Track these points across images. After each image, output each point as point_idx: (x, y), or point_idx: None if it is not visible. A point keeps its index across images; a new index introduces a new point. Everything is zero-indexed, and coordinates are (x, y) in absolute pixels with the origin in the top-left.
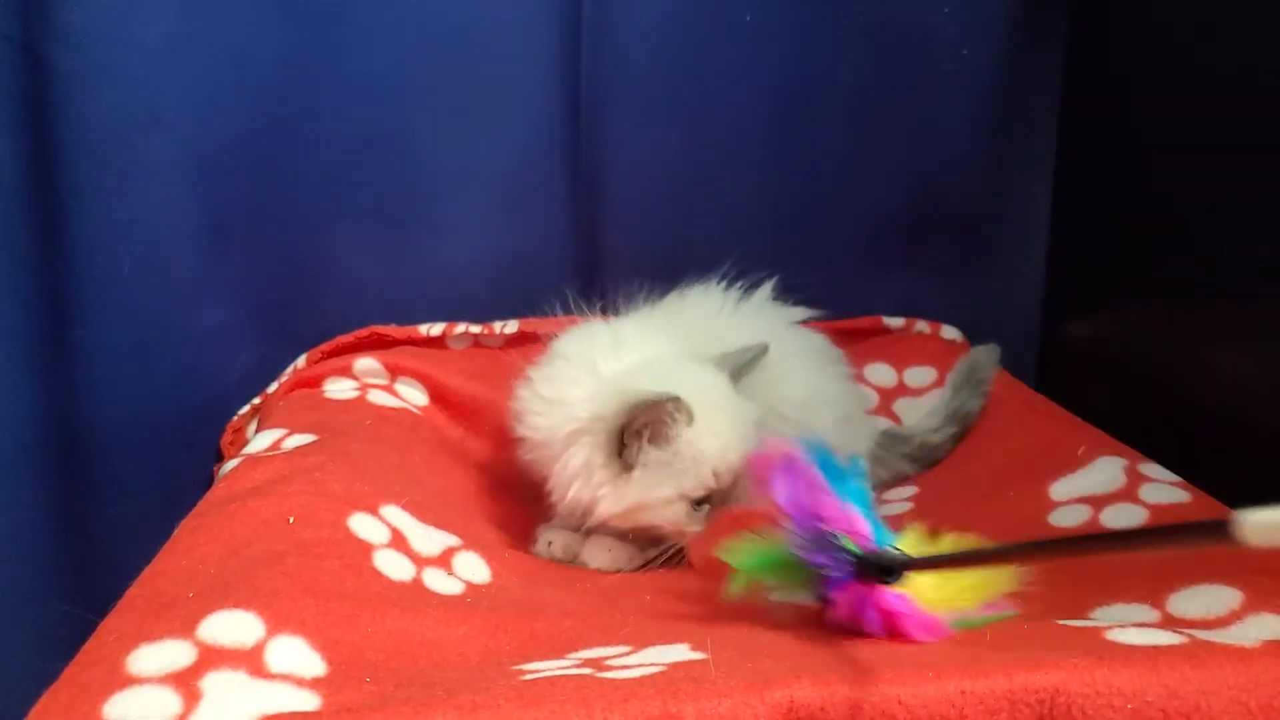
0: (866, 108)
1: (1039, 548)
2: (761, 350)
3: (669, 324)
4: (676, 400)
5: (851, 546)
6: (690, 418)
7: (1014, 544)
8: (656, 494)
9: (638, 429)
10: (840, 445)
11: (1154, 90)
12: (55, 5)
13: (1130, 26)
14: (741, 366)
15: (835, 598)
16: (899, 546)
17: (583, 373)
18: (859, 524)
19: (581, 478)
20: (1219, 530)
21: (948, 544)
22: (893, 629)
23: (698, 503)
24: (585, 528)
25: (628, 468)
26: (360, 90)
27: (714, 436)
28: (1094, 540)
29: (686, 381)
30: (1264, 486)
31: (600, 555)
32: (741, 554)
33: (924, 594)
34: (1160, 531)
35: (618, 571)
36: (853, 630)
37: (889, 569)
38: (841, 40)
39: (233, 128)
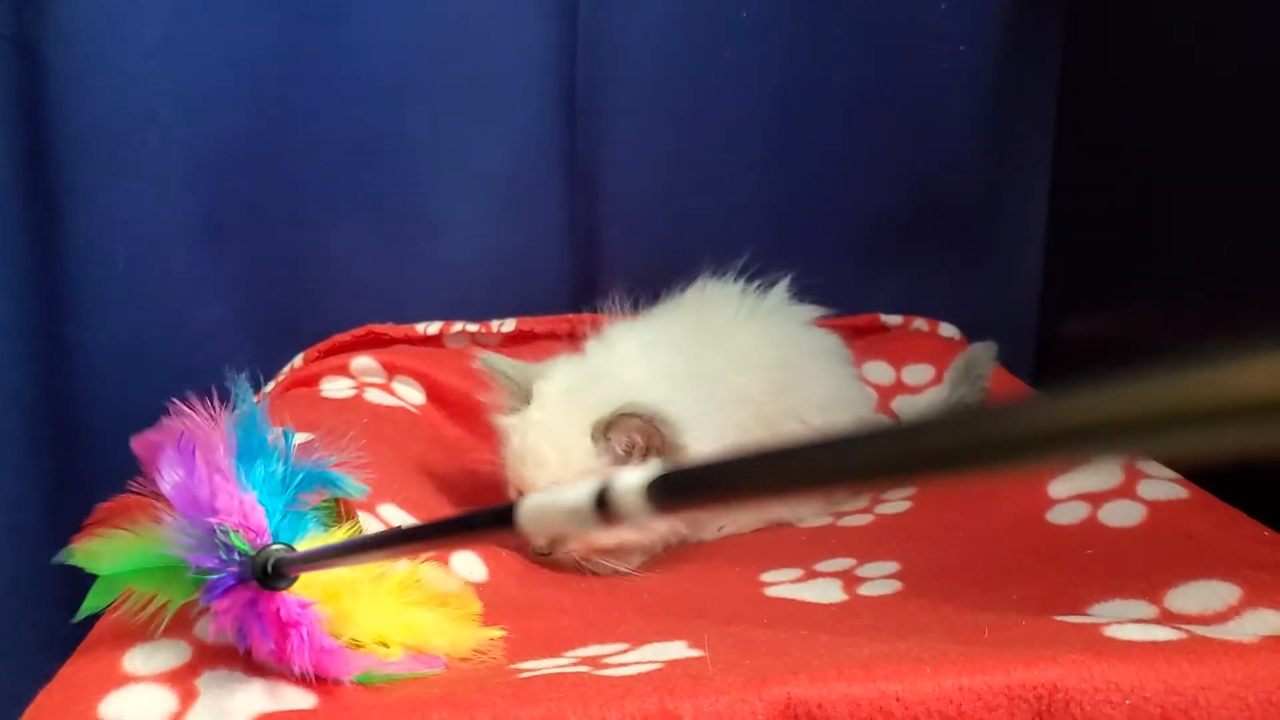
0: (864, 107)
1: (406, 535)
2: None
3: (685, 328)
4: (503, 375)
5: (241, 544)
6: (524, 401)
7: (391, 531)
8: (500, 465)
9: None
10: None
11: (1151, 89)
12: (51, 3)
13: (1128, 25)
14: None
15: (217, 606)
16: (314, 542)
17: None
18: (257, 515)
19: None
20: (505, 518)
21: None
22: (282, 646)
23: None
24: None
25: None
26: (358, 89)
27: (518, 439)
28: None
29: (555, 371)
30: (1261, 482)
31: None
32: (107, 555)
33: (349, 620)
34: (461, 521)
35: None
36: (236, 646)
37: (270, 570)
38: (839, 39)
39: (230, 127)
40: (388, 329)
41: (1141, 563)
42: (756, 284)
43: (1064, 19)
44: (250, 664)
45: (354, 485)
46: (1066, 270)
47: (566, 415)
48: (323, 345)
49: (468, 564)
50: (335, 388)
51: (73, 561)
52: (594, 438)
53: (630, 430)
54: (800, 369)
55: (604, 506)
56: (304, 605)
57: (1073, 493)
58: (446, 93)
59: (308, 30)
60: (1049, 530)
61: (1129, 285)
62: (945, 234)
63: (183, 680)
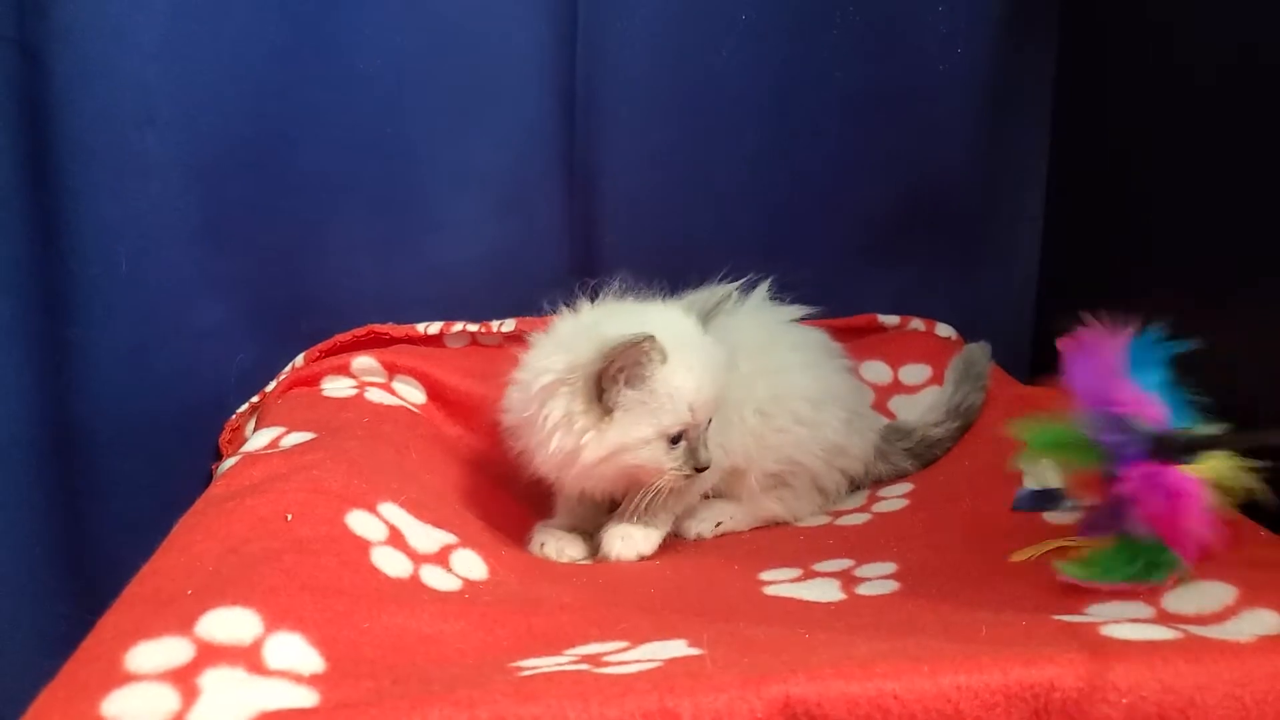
0: (861, 107)
1: None
2: (727, 295)
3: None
4: (651, 339)
5: (1145, 428)
6: (664, 356)
7: None
8: (636, 434)
9: (614, 372)
10: (848, 440)
11: (1147, 90)
12: (51, 5)
13: (1123, 26)
14: (709, 309)
15: (1125, 474)
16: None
17: (551, 340)
18: (1155, 408)
19: (563, 428)
20: None
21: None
22: (1175, 512)
23: (674, 440)
24: (566, 481)
25: (607, 411)
26: (356, 90)
27: (687, 372)
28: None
29: (655, 322)
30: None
31: (616, 544)
32: (1033, 431)
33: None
34: None
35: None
36: (1121, 513)
37: (1186, 447)
38: (836, 40)
39: (229, 127)
40: (388, 329)
41: None
42: (740, 283)
43: (1059, 20)
44: (252, 662)
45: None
46: (1063, 270)
47: (690, 342)
48: (324, 345)
49: (467, 562)
50: (336, 387)
51: (1014, 433)
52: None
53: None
54: (786, 359)
55: None
56: (1194, 480)
57: None
58: (445, 94)
59: (306, 32)
60: (1044, 530)
61: (1125, 284)
62: (942, 234)
63: (185, 678)
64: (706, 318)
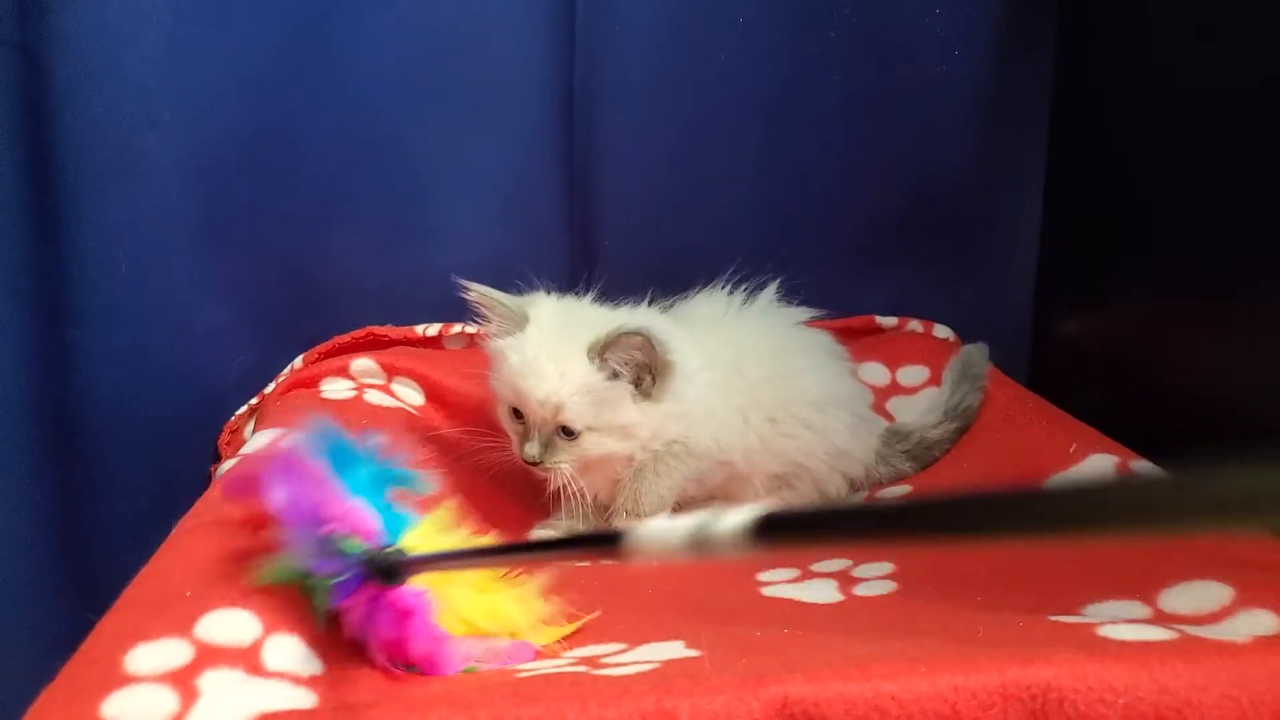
0: (859, 109)
1: (522, 550)
2: (627, 332)
3: (676, 317)
4: (493, 301)
5: (355, 547)
6: (520, 326)
7: (506, 545)
8: (491, 382)
9: (475, 305)
10: (852, 444)
11: (1143, 91)
12: (52, 9)
13: (1120, 29)
14: (612, 339)
15: (345, 605)
16: (415, 537)
17: None
18: (365, 519)
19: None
20: (614, 542)
21: (462, 535)
22: (403, 633)
23: (516, 416)
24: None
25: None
26: (356, 92)
27: (518, 355)
28: (509, 550)
29: (560, 314)
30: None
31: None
32: (264, 567)
33: (450, 606)
34: (569, 543)
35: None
36: (363, 642)
37: (389, 570)
38: (834, 43)
39: (229, 130)
40: (387, 330)
41: (1135, 563)
42: (746, 287)
43: (1056, 22)
44: (250, 664)
45: (425, 484)
46: (1061, 271)
47: (565, 335)
48: (323, 347)
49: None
50: (335, 389)
51: (255, 574)
52: (590, 356)
53: (629, 348)
54: (791, 364)
55: (703, 543)
56: (418, 594)
57: None
58: (445, 97)
59: (307, 34)
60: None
61: (1123, 286)
62: (940, 236)
63: (184, 680)
64: (607, 348)
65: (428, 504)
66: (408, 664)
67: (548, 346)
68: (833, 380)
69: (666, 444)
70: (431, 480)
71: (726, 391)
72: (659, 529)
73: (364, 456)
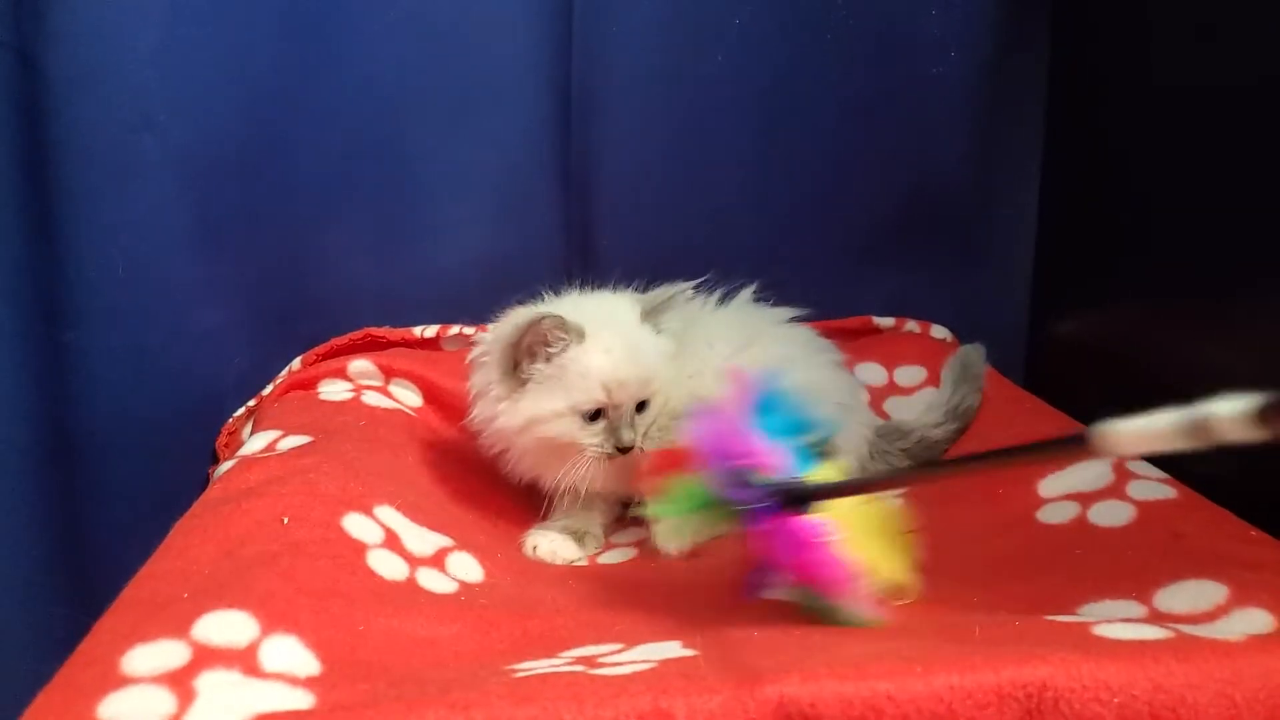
0: (855, 109)
1: (931, 468)
2: (680, 291)
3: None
4: (552, 318)
5: (764, 480)
6: (580, 336)
7: (908, 467)
8: (548, 406)
9: (525, 346)
10: (841, 435)
11: (1137, 92)
12: (48, 10)
13: (1115, 30)
14: (658, 305)
15: (752, 531)
16: (819, 476)
17: (496, 324)
18: (778, 457)
19: (482, 397)
20: (1079, 442)
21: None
22: (805, 558)
23: (592, 417)
24: (508, 459)
25: (521, 383)
26: (353, 94)
27: (603, 354)
28: (975, 460)
29: (586, 306)
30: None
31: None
32: (667, 498)
33: (853, 541)
34: (1027, 449)
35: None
36: (768, 565)
37: (799, 497)
38: (830, 44)
39: (226, 131)
40: (385, 332)
41: (1131, 562)
42: (727, 287)
43: (1051, 23)
44: (247, 665)
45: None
46: (1057, 272)
47: (620, 320)
48: (320, 348)
49: (463, 565)
50: (333, 390)
51: (650, 503)
52: (647, 323)
53: (679, 305)
54: (769, 352)
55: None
56: (820, 524)
57: (1063, 492)
58: (442, 98)
59: (303, 35)
60: (1039, 530)
61: (1119, 286)
62: (936, 236)
63: (181, 681)
64: (656, 311)
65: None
66: (805, 584)
67: (621, 335)
68: (812, 369)
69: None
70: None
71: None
72: (1139, 423)
73: (780, 403)
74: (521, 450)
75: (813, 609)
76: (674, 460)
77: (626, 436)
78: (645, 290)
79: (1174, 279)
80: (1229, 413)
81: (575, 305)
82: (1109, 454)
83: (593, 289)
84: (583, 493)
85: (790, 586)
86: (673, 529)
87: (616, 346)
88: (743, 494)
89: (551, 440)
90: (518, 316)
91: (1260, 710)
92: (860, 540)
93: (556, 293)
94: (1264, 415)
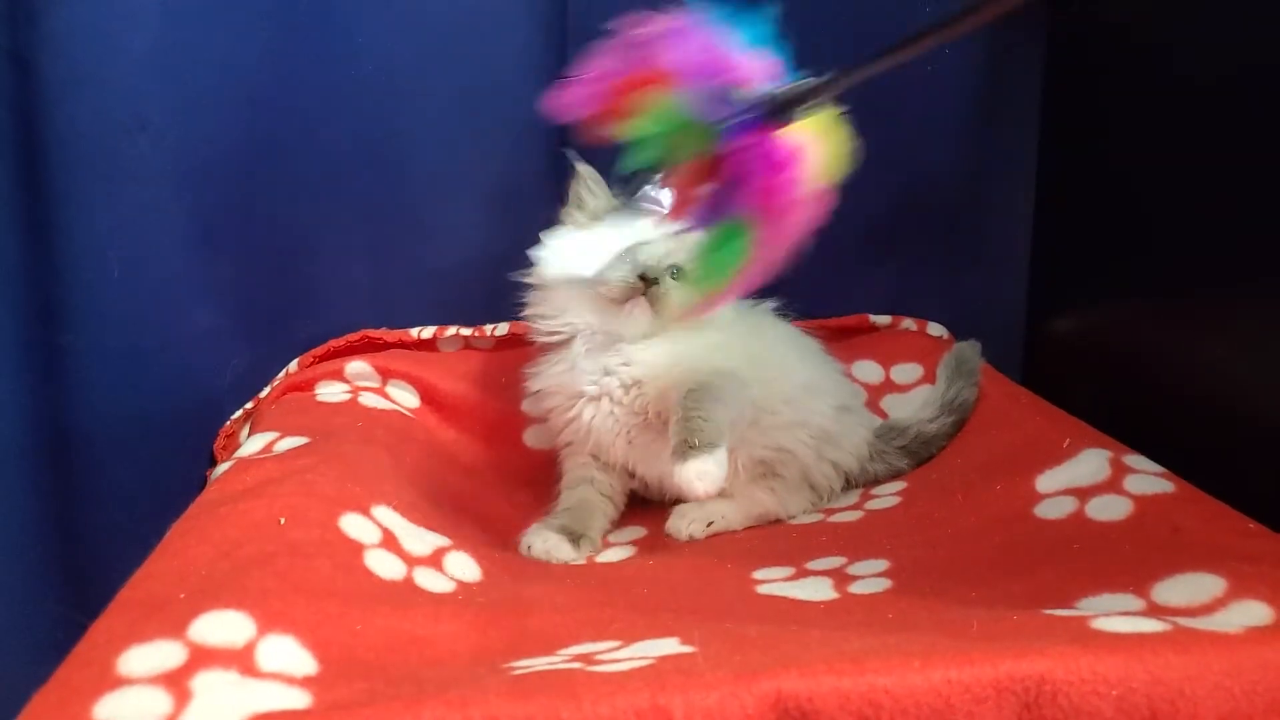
0: (850, 107)
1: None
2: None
3: None
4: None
5: (748, 95)
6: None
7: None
8: (581, 245)
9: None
10: (838, 430)
11: (1134, 88)
12: (42, 12)
13: (1110, 26)
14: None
15: (730, 147)
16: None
17: None
18: (764, 66)
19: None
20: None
21: None
22: (778, 178)
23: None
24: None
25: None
26: (348, 94)
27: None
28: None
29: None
30: (1245, 475)
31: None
32: (636, 124)
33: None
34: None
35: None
36: (738, 184)
37: (786, 104)
38: (823, 42)
39: (220, 133)
40: (382, 333)
41: (1129, 556)
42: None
43: (1047, 20)
44: (244, 665)
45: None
46: (1053, 268)
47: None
48: (317, 350)
49: (461, 564)
50: (330, 392)
51: (618, 131)
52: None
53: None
54: (773, 347)
55: None
56: (799, 144)
57: (1060, 487)
58: (437, 99)
59: (298, 36)
60: (1037, 525)
61: (1115, 283)
62: (932, 234)
63: (177, 682)
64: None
65: None
66: (778, 210)
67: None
68: (813, 366)
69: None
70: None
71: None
72: None
73: (756, 18)
74: (561, 300)
75: (723, 245)
76: (647, 78)
77: (645, 255)
78: None
79: (1170, 276)
80: None
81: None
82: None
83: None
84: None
85: (741, 215)
86: (643, 154)
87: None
88: (723, 110)
89: (582, 280)
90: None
91: (1259, 702)
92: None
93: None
94: None
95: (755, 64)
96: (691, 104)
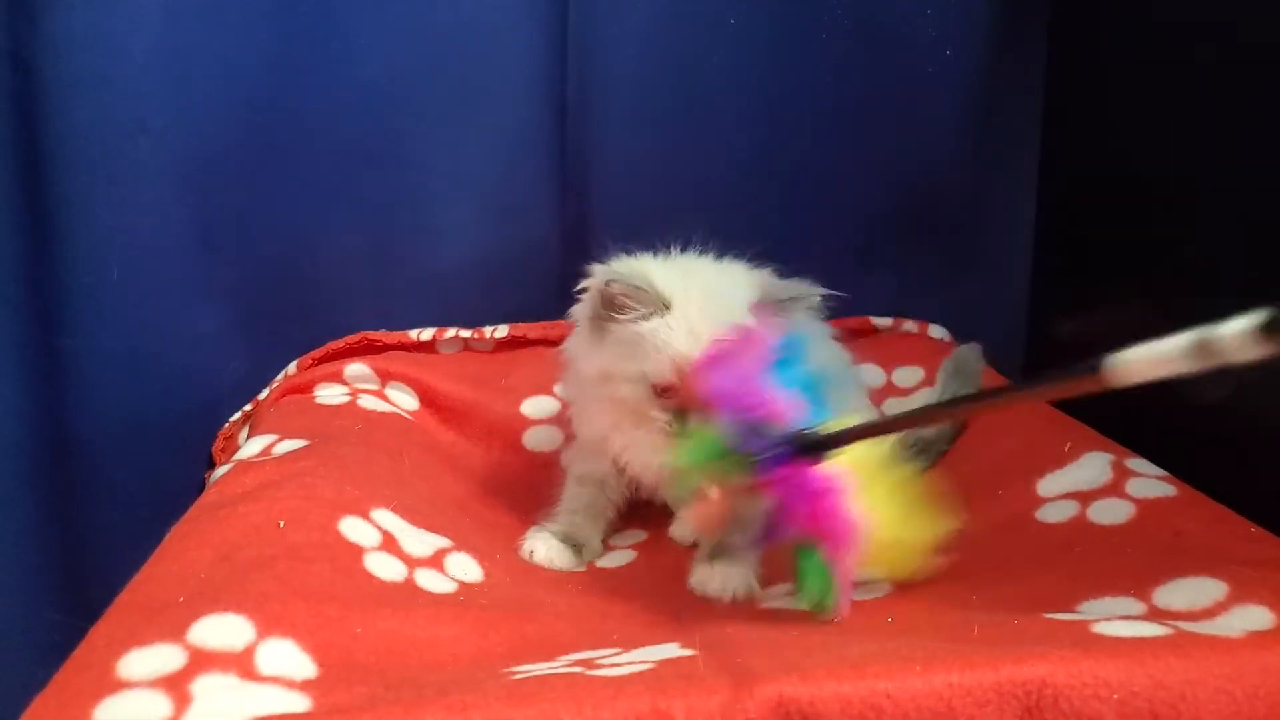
0: (852, 111)
1: (943, 406)
2: (808, 295)
3: None
4: (629, 285)
5: (780, 429)
6: (664, 307)
7: (920, 408)
8: (620, 366)
9: (610, 300)
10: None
11: (1137, 91)
12: (44, 15)
13: (1113, 27)
14: (781, 298)
15: (767, 479)
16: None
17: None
18: (793, 407)
19: (574, 333)
20: (1092, 370)
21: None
22: (818, 508)
23: (662, 394)
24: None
25: (604, 332)
26: (348, 97)
27: (684, 334)
28: (990, 395)
29: (693, 274)
30: (1247, 479)
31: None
32: (683, 450)
33: (870, 501)
34: (1041, 380)
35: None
36: (785, 514)
37: (814, 445)
38: (826, 43)
39: (221, 135)
40: (381, 335)
41: (1130, 560)
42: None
43: (1049, 21)
44: (244, 668)
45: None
46: (1055, 270)
47: (717, 301)
48: (316, 352)
49: (462, 565)
50: (329, 394)
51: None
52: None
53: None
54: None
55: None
56: (836, 476)
57: (1062, 491)
58: (437, 99)
59: (298, 39)
60: (1039, 529)
61: (1118, 285)
62: (934, 236)
63: (177, 685)
64: (771, 307)
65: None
66: (814, 535)
67: (711, 319)
68: (843, 387)
69: None
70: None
71: None
72: (1147, 349)
73: (796, 357)
74: (596, 402)
75: (809, 571)
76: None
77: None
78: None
79: (1174, 276)
80: (1234, 331)
81: (682, 271)
82: (1121, 382)
83: (720, 254)
84: (640, 476)
85: (800, 537)
86: (686, 478)
87: (702, 330)
88: (756, 444)
89: (621, 401)
90: (611, 266)
91: (1260, 706)
92: (878, 501)
93: (683, 247)
94: (1269, 330)
95: (789, 403)
96: (729, 434)
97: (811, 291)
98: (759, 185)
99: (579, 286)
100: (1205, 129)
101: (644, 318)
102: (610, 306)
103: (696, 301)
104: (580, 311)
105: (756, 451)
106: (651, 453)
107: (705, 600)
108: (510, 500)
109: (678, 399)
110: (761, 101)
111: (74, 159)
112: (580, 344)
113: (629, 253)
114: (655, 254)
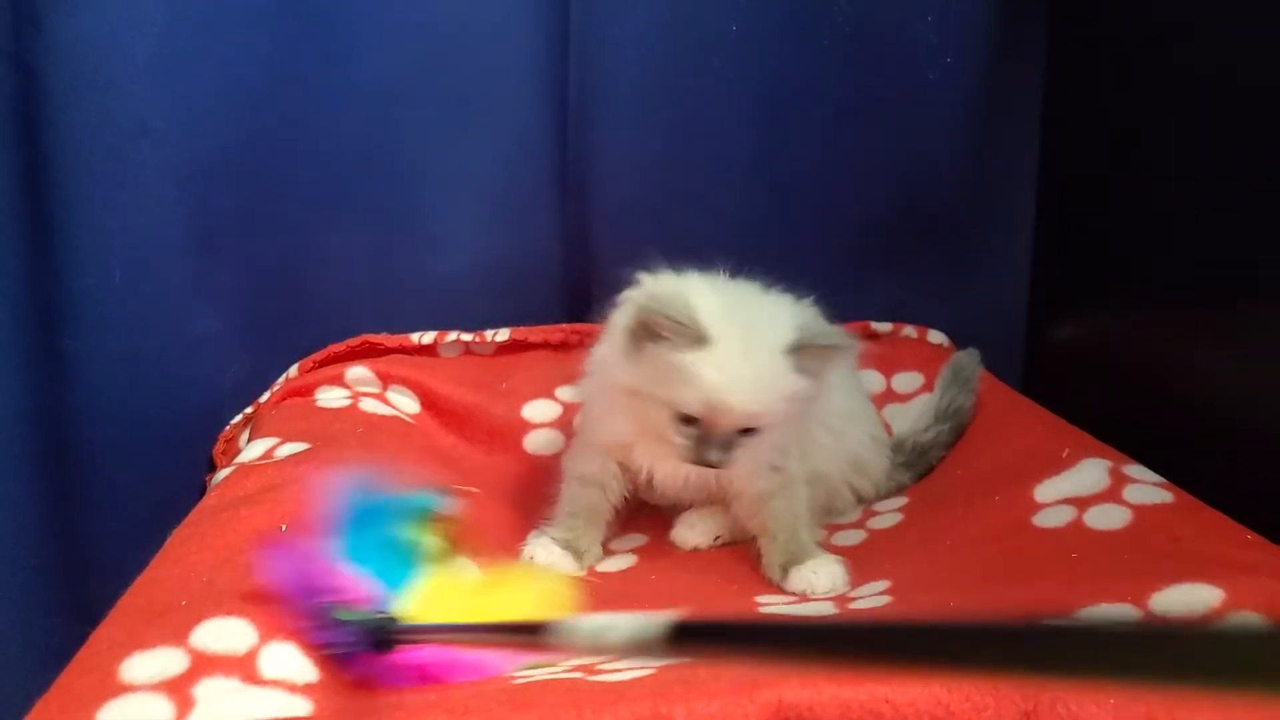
0: (852, 115)
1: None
2: (849, 346)
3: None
4: (665, 317)
5: (354, 615)
6: (701, 341)
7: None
8: (650, 389)
9: (648, 324)
10: (871, 458)
11: (1136, 96)
12: (46, 18)
13: (1111, 34)
14: (815, 346)
15: (354, 672)
16: (416, 595)
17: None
18: (360, 587)
19: (609, 339)
20: (542, 631)
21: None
22: (422, 682)
23: (687, 422)
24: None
25: (640, 351)
26: (350, 99)
27: (716, 370)
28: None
29: (736, 306)
30: (1245, 486)
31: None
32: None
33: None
34: (500, 627)
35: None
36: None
37: (383, 641)
38: (826, 48)
39: (222, 138)
40: (382, 339)
41: (1127, 566)
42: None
43: (1048, 27)
44: (246, 672)
45: (443, 505)
46: (1054, 275)
47: (756, 340)
48: (318, 355)
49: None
50: (330, 397)
51: None
52: (787, 358)
53: (825, 357)
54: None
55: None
56: (420, 652)
57: (1059, 496)
58: (438, 101)
59: (300, 43)
60: (1036, 534)
61: (1116, 291)
62: (933, 241)
63: (180, 689)
64: (809, 351)
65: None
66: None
67: (749, 358)
68: (855, 396)
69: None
70: (447, 499)
71: None
72: (595, 622)
73: (374, 513)
74: (622, 411)
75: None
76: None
77: (711, 456)
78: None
79: (1171, 284)
80: (638, 629)
81: (725, 302)
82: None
83: (772, 283)
84: (662, 485)
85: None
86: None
87: (735, 369)
88: (332, 635)
89: (645, 415)
90: (650, 288)
91: (1256, 712)
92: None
93: (733, 272)
94: (671, 636)
95: (360, 582)
96: (304, 627)
97: (851, 344)
98: (760, 190)
99: (620, 296)
100: (1205, 131)
101: (680, 348)
102: (648, 330)
103: (736, 339)
104: (617, 321)
105: (333, 645)
106: (675, 464)
107: (705, 604)
108: (511, 503)
109: (702, 429)
110: (762, 106)
111: (76, 162)
112: (613, 353)
113: (674, 269)
114: (701, 272)
